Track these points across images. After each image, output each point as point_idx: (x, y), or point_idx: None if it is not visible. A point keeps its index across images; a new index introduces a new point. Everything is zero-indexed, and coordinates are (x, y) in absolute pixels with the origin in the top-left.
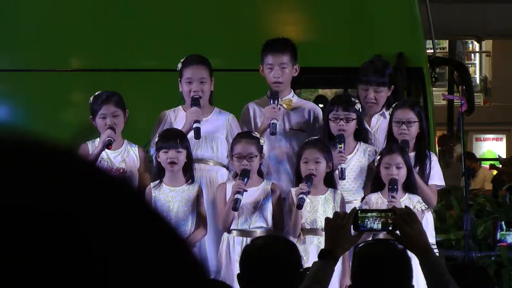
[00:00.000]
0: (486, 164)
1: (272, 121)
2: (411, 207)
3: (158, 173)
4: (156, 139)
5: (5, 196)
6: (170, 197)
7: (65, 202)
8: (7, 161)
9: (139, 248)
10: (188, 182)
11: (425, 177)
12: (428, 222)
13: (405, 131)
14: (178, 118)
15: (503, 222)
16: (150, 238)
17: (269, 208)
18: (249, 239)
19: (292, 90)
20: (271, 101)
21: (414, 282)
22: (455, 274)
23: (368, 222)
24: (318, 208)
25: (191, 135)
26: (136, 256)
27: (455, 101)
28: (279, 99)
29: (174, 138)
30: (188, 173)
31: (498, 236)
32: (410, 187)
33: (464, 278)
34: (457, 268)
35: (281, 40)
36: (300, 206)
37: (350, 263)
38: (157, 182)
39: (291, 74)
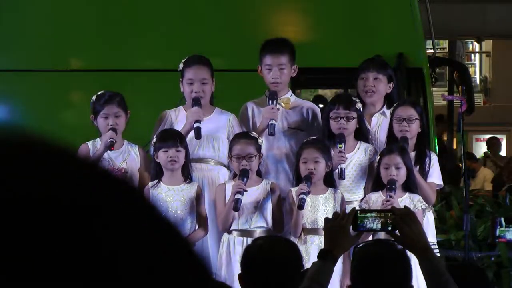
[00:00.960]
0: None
1: (270, 122)
2: (412, 206)
3: (157, 173)
4: (154, 140)
5: (4, 195)
6: (169, 196)
7: (65, 202)
8: (7, 161)
9: (140, 247)
10: (187, 181)
11: (424, 176)
12: (429, 222)
13: (406, 128)
14: (179, 118)
15: (502, 219)
16: (152, 237)
17: (269, 208)
18: (249, 239)
19: (290, 90)
20: (270, 102)
21: (414, 282)
22: (453, 274)
23: (368, 222)
24: (319, 208)
25: (191, 135)
26: (137, 255)
27: (455, 101)
28: (277, 98)
29: (174, 137)
30: (186, 172)
31: (498, 233)
32: (410, 186)
33: (463, 278)
34: (455, 268)
35: (280, 40)
36: (301, 206)
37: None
38: (155, 181)
39: (290, 74)
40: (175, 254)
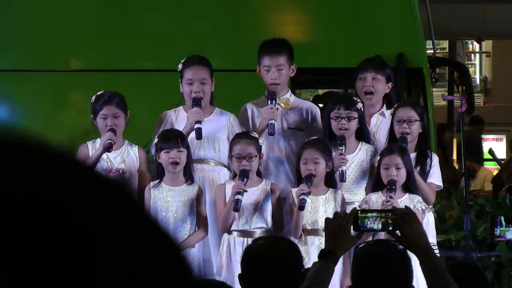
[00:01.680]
0: (486, 165)
1: (270, 122)
2: (412, 207)
3: (158, 173)
4: (156, 140)
5: (4, 195)
6: (169, 197)
7: (63, 201)
8: (7, 161)
9: (127, 246)
10: (188, 182)
11: (425, 176)
12: (429, 222)
13: (406, 129)
14: (179, 118)
15: (502, 218)
16: (139, 238)
17: (269, 209)
18: (249, 240)
19: (289, 90)
20: (269, 102)
21: (414, 282)
22: (453, 274)
23: (368, 222)
24: (319, 209)
25: (192, 135)
26: (124, 254)
27: (455, 101)
28: (277, 98)
29: (175, 138)
30: (188, 174)
31: (498, 232)
32: (410, 187)
33: (463, 278)
34: (455, 268)
35: (277, 40)
36: (301, 207)
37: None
38: (156, 181)
39: (288, 74)
40: (163, 257)
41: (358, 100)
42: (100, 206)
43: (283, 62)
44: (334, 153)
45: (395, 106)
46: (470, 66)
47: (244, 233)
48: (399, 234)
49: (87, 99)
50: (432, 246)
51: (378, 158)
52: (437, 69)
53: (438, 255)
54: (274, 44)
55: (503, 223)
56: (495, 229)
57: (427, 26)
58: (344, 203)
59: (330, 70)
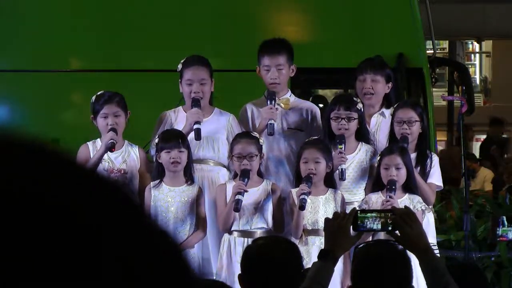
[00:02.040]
0: None
1: (269, 122)
2: (411, 207)
3: (158, 173)
4: (157, 140)
5: (4, 195)
6: (169, 197)
7: (62, 202)
8: (7, 161)
9: (127, 247)
10: (188, 183)
11: (425, 176)
12: (429, 223)
13: (407, 130)
14: (178, 118)
15: (504, 218)
16: (139, 238)
17: (269, 209)
18: (250, 240)
19: (289, 90)
20: (268, 102)
21: (414, 283)
22: (453, 274)
23: (368, 222)
24: (319, 209)
25: (191, 136)
26: (124, 254)
27: (455, 101)
28: (276, 99)
29: (176, 138)
30: (188, 174)
31: (500, 232)
32: (410, 187)
33: (462, 278)
34: (455, 268)
35: (277, 40)
36: (302, 207)
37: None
38: (157, 181)
39: (288, 74)
40: (164, 257)
41: (358, 101)
42: (100, 206)
43: (283, 62)
44: (333, 152)
45: (395, 106)
46: (470, 66)
47: (244, 234)
48: (399, 234)
49: (87, 99)
50: (432, 246)
51: (378, 158)
52: (437, 69)
53: (438, 255)
54: (274, 44)
55: (505, 223)
56: (497, 229)
57: (427, 26)
58: (344, 203)
59: (330, 70)
